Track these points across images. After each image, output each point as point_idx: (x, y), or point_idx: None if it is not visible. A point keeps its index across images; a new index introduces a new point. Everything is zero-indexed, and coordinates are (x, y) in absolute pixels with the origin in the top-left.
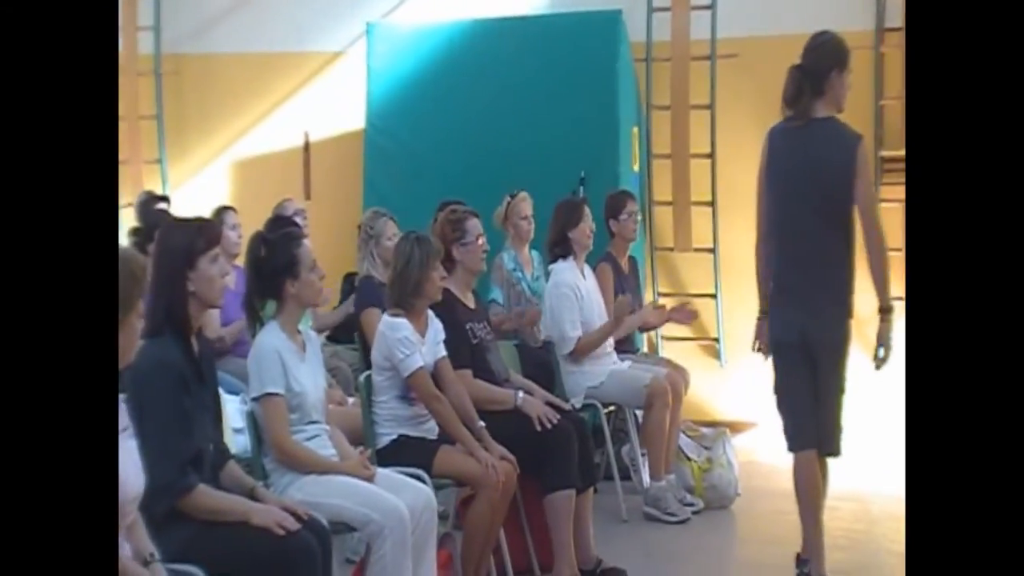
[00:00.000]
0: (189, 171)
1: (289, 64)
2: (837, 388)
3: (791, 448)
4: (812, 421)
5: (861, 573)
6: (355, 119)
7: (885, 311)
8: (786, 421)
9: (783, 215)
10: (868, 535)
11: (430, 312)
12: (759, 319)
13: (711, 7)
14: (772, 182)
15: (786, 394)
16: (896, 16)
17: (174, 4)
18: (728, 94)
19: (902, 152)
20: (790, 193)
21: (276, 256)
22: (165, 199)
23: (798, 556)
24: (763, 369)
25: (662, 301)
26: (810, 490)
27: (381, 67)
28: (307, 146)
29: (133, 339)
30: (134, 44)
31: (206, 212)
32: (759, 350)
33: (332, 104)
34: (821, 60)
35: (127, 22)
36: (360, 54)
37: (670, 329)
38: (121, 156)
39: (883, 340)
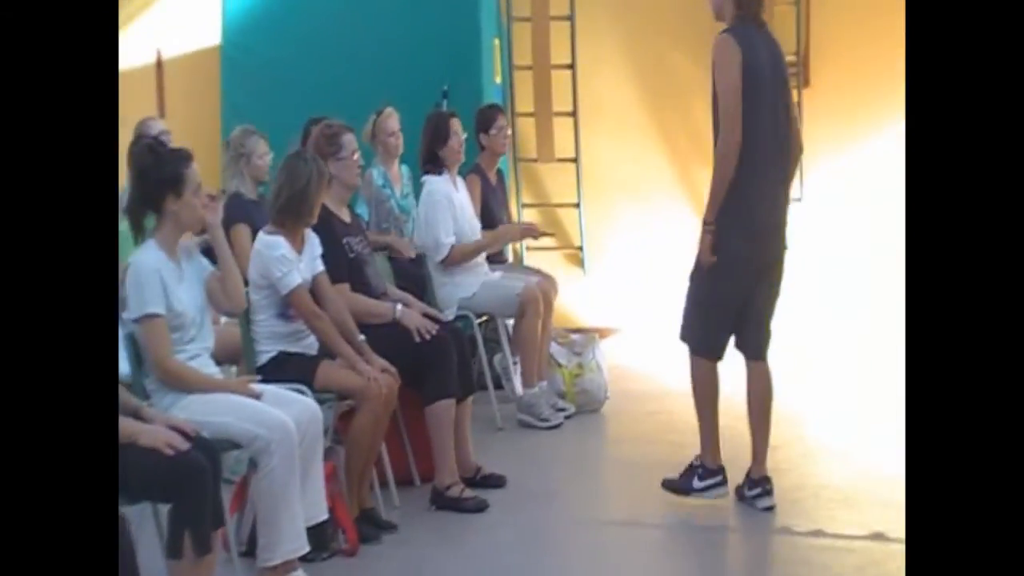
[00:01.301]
0: None
1: None
2: (775, 298)
3: (708, 356)
4: (728, 335)
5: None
6: (210, 35)
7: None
8: (708, 332)
9: (766, 119)
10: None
11: (307, 229)
12: (709, 229)
13: None
14: (754, 87)
15: (719, 308)
16: None
17: None
18: (588, 4)
19: None
20: (769, 100)
21: (162, 168)
22: None
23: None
24: (625, 276)
25: (526, 211)
26: (713, 395)
27: None
28: (159, 64)
29: None
30: None
31: None
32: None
33: (185, 20)
34: None
35: None
36: None
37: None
38: None
39: None
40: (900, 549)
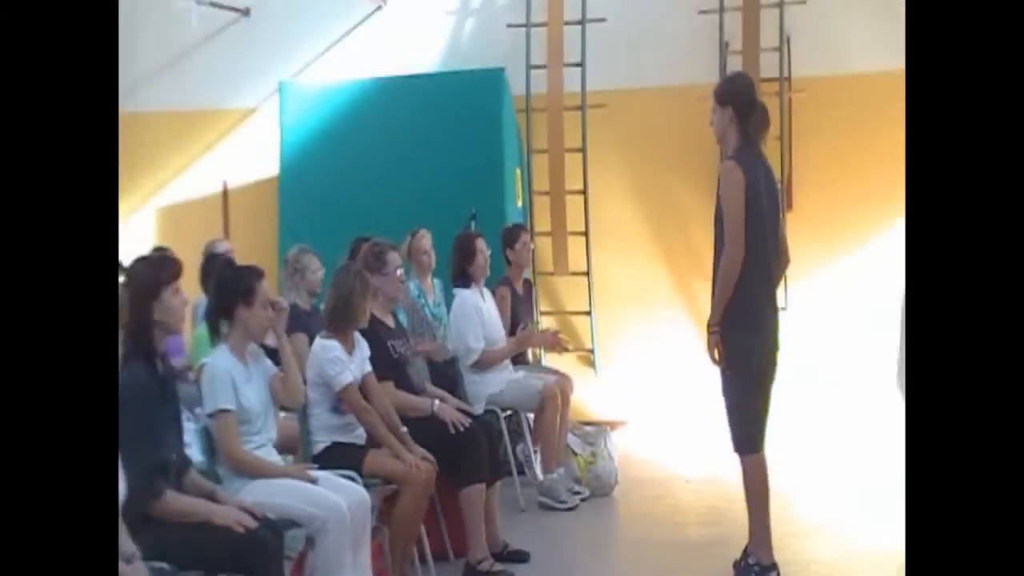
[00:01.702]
0: (120, 215)
1: (208, 120)
2: (770, 395)
3: (750, 451)
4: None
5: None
6: (270, 168)
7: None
8: (745, 429)
9: (765, 237)
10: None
11: (356, 334)
12: (714, 332)
13: (581, 64)
14: (758, 207)
15: (750, 407)
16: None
17: None
18: (598, 139)
19: None
20: (767, 217)
21: (238, 281)
22: None
23: (746, 550)
24: (630, 375)
25: (544, 318)
26: (764, 488)
27: (292, 121)
28: (225, 193)
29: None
30: None
31: (136, 254)
32: (717, 362)
33: (247, 156)
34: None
35: None
36: (273, 110)
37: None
38: None
39: None
40: None
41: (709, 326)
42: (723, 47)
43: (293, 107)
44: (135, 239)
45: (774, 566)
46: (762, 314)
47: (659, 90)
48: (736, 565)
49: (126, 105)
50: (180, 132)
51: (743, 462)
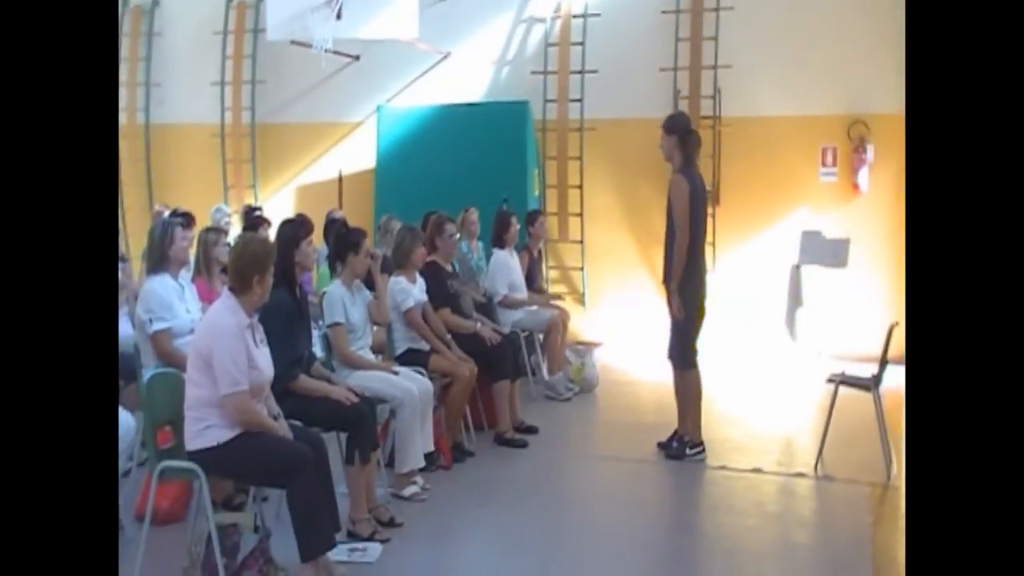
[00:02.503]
0: (271, 192)
1: (330, 130)
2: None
3: (688, 367)
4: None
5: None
6: (369, 162)
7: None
8: (686, 350)
9: (702, 226)
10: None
11: (417, 274)
12: (673, 292)
13: (580, 100)
14: (698, 207)
15: (689, 335)
16: (683, 107)
17: (262, 92)
18: (590, 151)
19: None
20: (703, 213)
21: (349, 238)
22: (259, 208)
23: (674, 434)
24: (608, 311)
25: (551, 271)
26: (699, 391)
27: (385, 132)
28: (340, 178)
29: (267, 290)
30: (239, 117)
31: (283, 218)
32: (675, 313)
33: (355, 153)
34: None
35: (235, 104)
36: (372, 124)
37: (556, 289)
38: (230, 183)
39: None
40: (773, 479)
41: (667, 288)
42: (676, 93)
43: (386, 123)
44: (281, 208)
45: (701, 443)
46: (700, 275)
47: (633, 120)
48: (660, 444)
49: (277, 119)
50: (311, 138)
51: (682, 374)
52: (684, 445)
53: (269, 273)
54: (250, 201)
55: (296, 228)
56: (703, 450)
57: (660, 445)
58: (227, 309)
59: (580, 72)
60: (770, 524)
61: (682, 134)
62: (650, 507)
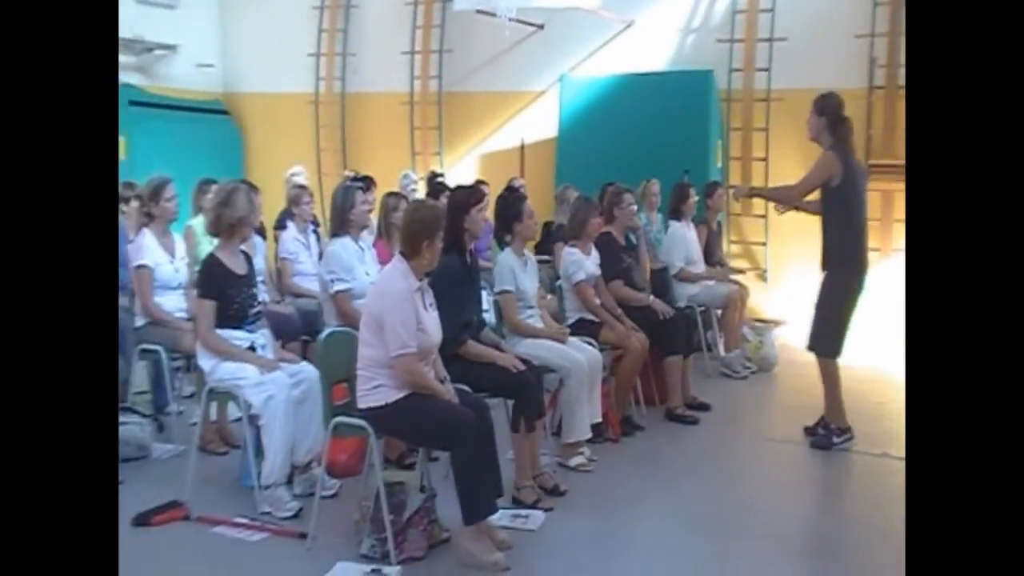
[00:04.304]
0: (455, 159)
1: (513, 98)
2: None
3: (829, 356)
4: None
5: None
6: (551, 131)
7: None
8: (829, 337)
9: (861, 209)
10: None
11: (591, 244)
12: (755, 193)
13: (768, 69)
14: (855, 186)
15: (838, 321)
16: (880, 77)
17: (449, 61)
18: (776, 122)
19: (883, 161)
20: (862, 194)
21: (511, 206)
22: (442, 175)
23: (820, 420)
24: (793, 287)
25: (732, 246)
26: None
27: (568, 101)
28: (522, 147)
29: (436, 255)
30: (427, 85)
31: (465, 182)
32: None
33: (537, 122)
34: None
35: (423, 72)
36: (555, 93)
37: (737, 263)
38: (417, 150)
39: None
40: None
41: (752, 190)
42: (872, 62)
43: (569, 92)
44: (464, 175)
45: (848, 429)
46: (857, 260)
47: (822, 90)
48: (806, 428)
49: (462, 87)
50: (495, 106)
51: (823, 362)
52: (831, 433)
53: (438, 238)
54: (435, 168)
55: (467, 195)
56: (851, 436)
57: (806, 430)
58: (398, 273)
59: (768, 40)
60: None
61: (832, 118)
62: (816, 493)
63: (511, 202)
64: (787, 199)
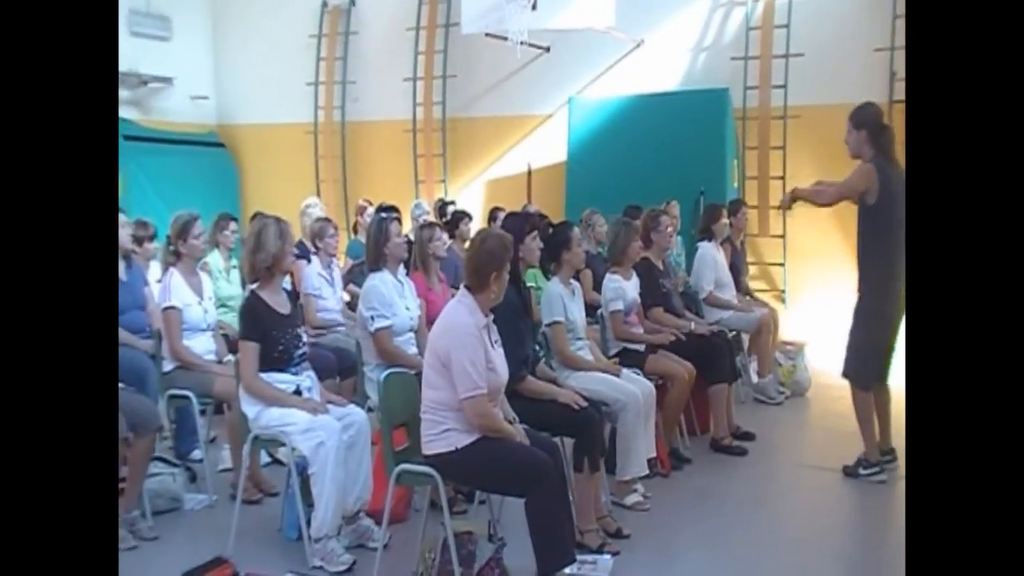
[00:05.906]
0: (460, 187)
1: (519, 122)
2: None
3: (864, 387)
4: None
5: None
6: (560, 156)
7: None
8: (864, 366)
9: (900, 228)
10: None
11: (632, 270)
12: (797, 193)
13: (784, 86)
14: (893, 202)
15: (874, 348)
16: (900, 91)
17: (452, 87)
18: (794, 140)
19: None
20: (901, 211)
21: (558, 235)
22: (452, 203)
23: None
24: (813, 309)
25: (751, 267)
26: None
27: (576, 124)
28: (530, 172)
29: (503, 288)
30: (430, 112)
31: (470, 212)
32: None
33: (546, 147)
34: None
35: (426, 99)
36: (563, 116)
37: (757, 285)
38: (421, 178)
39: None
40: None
41: (795, 192)
42: (891, 76)
43: (577, 114)
44: (471, 202)
45: (877, 463)
46: (896, 282)
47: (842, 106)
48: (846, 469)
49: (466, 112)
50: (501, 131)
51: (856, 393)
52: (858, 463)
53: (506, 270)
54: (440, 196)
55: (521, 222)
56: (880, 470)
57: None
58: (464, 309)
59: (784, 56)
60: None
61: (873, 129)
62: (882, 526)
63: (559, 230)
64: (819, 201)
